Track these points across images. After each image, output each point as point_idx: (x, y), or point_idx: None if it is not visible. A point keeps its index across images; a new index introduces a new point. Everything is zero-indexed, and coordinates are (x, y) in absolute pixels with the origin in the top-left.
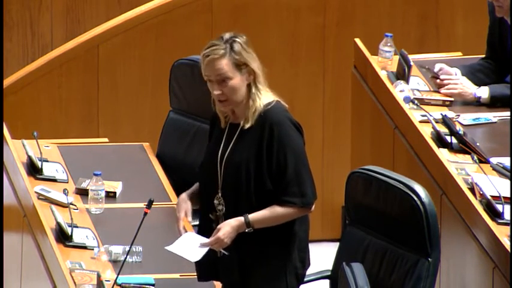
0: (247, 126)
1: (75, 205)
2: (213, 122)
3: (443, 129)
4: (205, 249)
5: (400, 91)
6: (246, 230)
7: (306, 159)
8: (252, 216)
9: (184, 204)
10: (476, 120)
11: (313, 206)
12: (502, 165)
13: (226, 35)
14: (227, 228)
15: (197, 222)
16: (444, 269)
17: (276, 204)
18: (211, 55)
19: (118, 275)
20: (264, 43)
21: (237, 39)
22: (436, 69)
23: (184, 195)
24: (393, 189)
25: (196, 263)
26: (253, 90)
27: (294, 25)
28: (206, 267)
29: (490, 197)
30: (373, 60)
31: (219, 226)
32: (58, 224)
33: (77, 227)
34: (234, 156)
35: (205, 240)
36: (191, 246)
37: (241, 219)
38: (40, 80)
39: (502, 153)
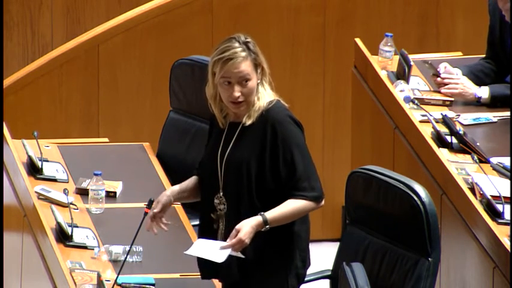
0: (248, 123)
1: (75, 205)
2: (213, 121)
3: (443, 129)
4: (229, 251)
5: (400, 91)
6: (263, 229)
7: (310, 154)
8: (269, 214)
9: (163, 200)
10: (476, 120)
11: (323, 201)
12: (502, 165)
13: (242, 37)
14: (247, 228)
15: (197, 222)
16: (444, 269)
17: (290, 199)
18: (234, 58)
19: (118, 274)
20: (264, 43)
21: (249, 40)
22: (440, 69)
23: (167, 193)
24: (393, 189)
25: (199, 262)
26: (260, 88)
27: (294, 25)
28: (209, 266)
29: (490, 197)
30: (374, 60)
31: (237, 227)
32: (58, 223)
33: (77, 226)
34: (235, 155)
35: (220, 243)
36: (211, 249)
37: (258, 218)
38: (40, 80)
39: (502, 153)
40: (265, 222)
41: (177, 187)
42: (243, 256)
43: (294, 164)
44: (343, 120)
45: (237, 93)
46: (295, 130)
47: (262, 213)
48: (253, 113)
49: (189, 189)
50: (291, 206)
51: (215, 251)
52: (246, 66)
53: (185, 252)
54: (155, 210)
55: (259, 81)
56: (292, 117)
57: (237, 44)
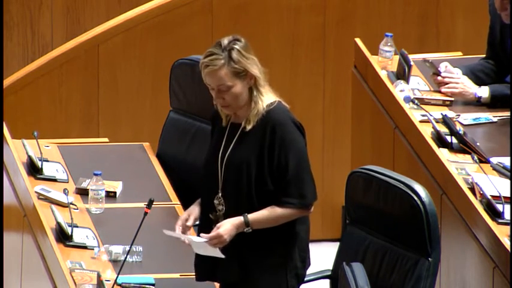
0: (248, 127)
1: (75, 205)
2: (214, 120)
3: (443, 129)
4: (205, 240)
5: (400, 91)
6: (245, 230)
7: (308, 160)
8: (251, 216)
9: (192, 207)
10: (476, 120)
11: (312, 208)
12: (502, 165)
13: (225, 41)
14: (227, 225)
15: (197, 222)
16: (444, 269)
17: (275, 204)
18: (210, 65)
19: (118, 274)
20: (264, 43)
21: (235, 46)
22: (441, 68)
23: (195, 206)
24: (393, 189)
25: (196, 263)
26: (255, 93)
27: (294, 25)
28: (205, 268)
29: (490, 197)
30: (374, 60)
31: (219, 224)
32: (58, 223)
33: (77, 226)
34: (235, 157)
35: (201, 237)
36: (191, 238)
37: (240, 218)
38: (40, 80)
39: (502, 153)
40: (247, 223)
41: (199, 201)
42: (222, 256)
43: (286, 168)
44: (343, 120)
45: (217, 100)
46: (295, 134)
47: (245, 214)
48: (252, 118)
49: None
50: (275, 211)
51: (194, 238)
52: (222, 75)
53: (164, 230)
54: (188, 224)
55: (251, 86)
56: (294, 120)
57: (219, 51)
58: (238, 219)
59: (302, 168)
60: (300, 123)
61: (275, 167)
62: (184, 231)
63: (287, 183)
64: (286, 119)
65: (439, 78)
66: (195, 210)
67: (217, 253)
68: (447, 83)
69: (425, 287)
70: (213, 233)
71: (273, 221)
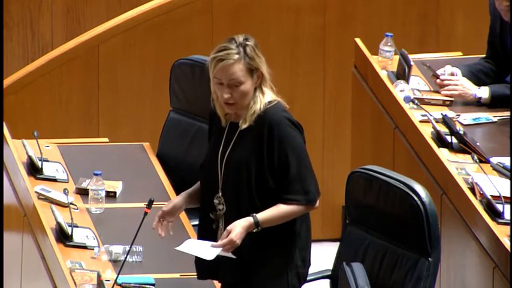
0: (244, 127)
1: (75, 205)
2: (212, 119)
3: (443, 129)
4: (219, 250)
5: (400, 91)
6: (254, 230)
7: (307, 156)
8: (260, 216)
9: (175, 201)
10: (476, 120)
11: (318, 202)
12: (502, 165)
13: (240, 38)
14: (238, 229)
15: (197, 222)
16: (444, 268)
17: (281, 203)
18: (225, 59)
19: (118, 274)
20: (264, 43)
21: (249, 43)
22: (445, 71)
23: (180, 196)
24: (393, 189)
25: (196, 262)
26: (257, 93)
27: (294, 25)
28: (206, 266)
29: (490, 197)
30: (374, 60)
31: (229, 228)
32: (58, 223)
33: (77, 226)
34: (234, 156)
35: (210, 243)
36: (201, 247)
37: (250, 219)
38: (40, 80)
39: (502, 153)
40: (257, 223)
41: (188, 191)
42: (234, 257)
43: (287, 166)
44: (343, 120)
45: (226, 95)
46: (292, 132)
47: (253, 214)
48: (248, 117)
49: (197, 193)
50: (281, 209)
51: (205, 249)
52: (237, 70)
53: (175, 248)
54: (164, 209)
55: (256, 85)
56: (290, 119)
57: (233, 46)
58: (248, 221)
59: (303, 164)
60: (298, 122)
61: (276, 166)
62: (161, 219)
63: (290, 180)
64: (282, 118)
65: (438, 81)
66: (176, 198)
67: (229, 254)
68: (446, 85)
69: (425, 287)
70: (225, 240)
71: (281, 219)
